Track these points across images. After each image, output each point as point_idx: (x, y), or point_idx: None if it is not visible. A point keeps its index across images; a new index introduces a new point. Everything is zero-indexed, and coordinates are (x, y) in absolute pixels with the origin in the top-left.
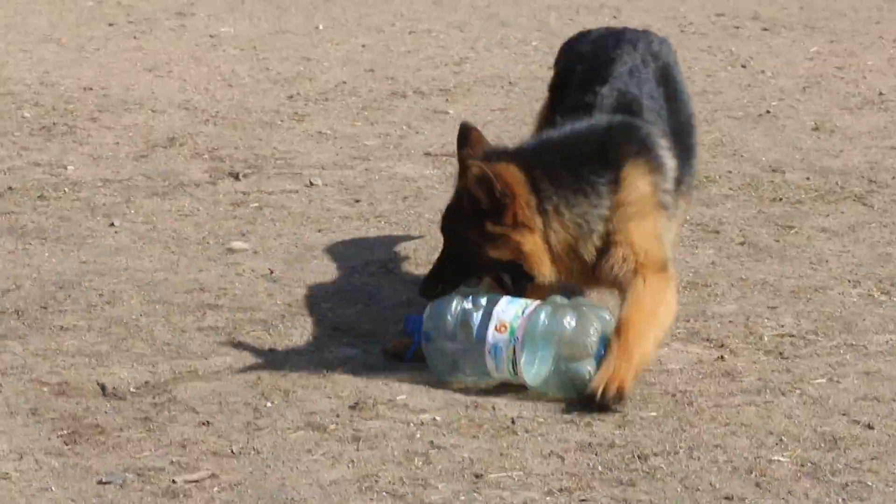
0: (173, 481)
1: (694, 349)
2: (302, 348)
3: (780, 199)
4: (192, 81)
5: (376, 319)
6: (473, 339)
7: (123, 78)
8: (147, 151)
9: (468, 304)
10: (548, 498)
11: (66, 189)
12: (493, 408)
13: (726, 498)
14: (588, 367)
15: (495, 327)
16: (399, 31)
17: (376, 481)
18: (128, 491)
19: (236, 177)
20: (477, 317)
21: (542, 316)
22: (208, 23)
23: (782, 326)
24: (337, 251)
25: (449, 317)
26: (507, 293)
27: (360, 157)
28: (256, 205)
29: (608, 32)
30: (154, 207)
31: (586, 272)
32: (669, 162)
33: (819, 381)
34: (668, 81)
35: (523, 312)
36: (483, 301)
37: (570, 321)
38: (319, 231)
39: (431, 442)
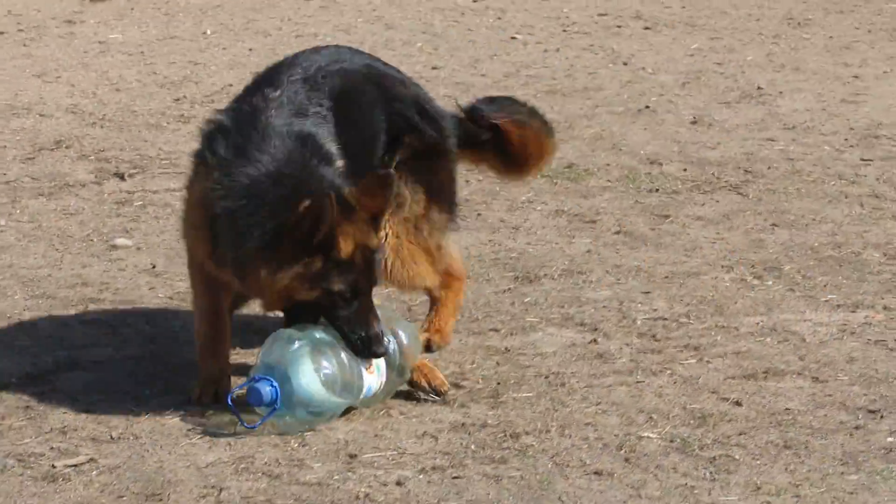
0: (53, 466)
1: (568, 333)
2: (182, 339)
3: (657, 190)
4: (80, 86)
5: (252, 308)
6: (356, 385)
7: (12, 84)
8: (34, 154)
9: (331, 357)
10: (421, 476)
11: None
12: None
13: (596, 473)
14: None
15: (367, 370)
16: (286, 35)
17: (252, 462)
18: (8, 476)
19: (122, 177)
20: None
21: (391, 347)
22: (97, 29)
23: (655, 310)
24: None
25: (325, 382)
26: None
27: None
28: (141, 203)
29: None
30: (40, 207)
31: None
32: None
33: (689, 361)
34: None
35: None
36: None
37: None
38: None
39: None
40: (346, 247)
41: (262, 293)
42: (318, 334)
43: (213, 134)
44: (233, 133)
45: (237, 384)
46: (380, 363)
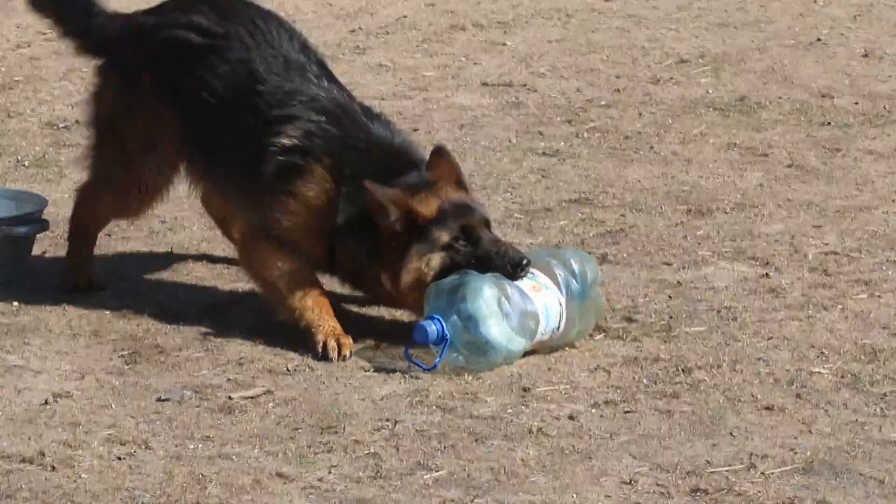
0: (230, 397)
1: (740, 267)
2: None
3: (829, 124)
4: None
5: None
6: (522, 307)
7: None
8: None
9: (488, 286)
10: (593, 410)
11: None
12: None
13: (767, 408)
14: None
15: (532, 289)
16: None
17: (427, 395)
18: (185, 407)
19: None
20: (510, 290)
21: (560, 272)
22: None
23: (826, 245)
24: None
25: (487, 301)
26: None
27: (419, 88)
28: None
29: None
30: None
31: None
32: None
33: (861, 296)
34: None
35: (533, 275)
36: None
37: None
38: None
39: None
40: (426, 208)
41: (404, 298)
42: (472, 272)
43: (320, 134)
44: (334, 134)
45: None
46: (544, 282)
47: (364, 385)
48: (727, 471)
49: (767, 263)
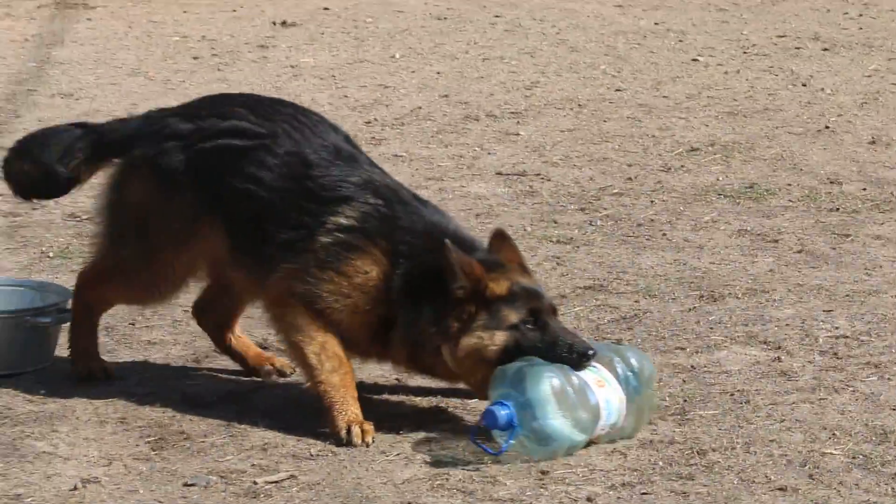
0: (254, 482)
1: (752, 351)
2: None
3: (838, 209)
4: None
5: None
6: (586, 400)
7: None
8: None
9: (555, 375)
10: (610, 492)
11: None
12: None
13: (780, 489)
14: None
15: (596, 383)
16: (472, 59)
17: (447, 479)
18: (211, 492)
19: None
20: (576, 382)
21: (619, 368)
22: (289, 54)
23: (837, 329)
24: None
25: (554, 391)
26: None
27: (435, 178)
28: None
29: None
30: None
31: None
32: None
33: (871, 378)
34: None
35: (596, 369)
36: (553, 369)
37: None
38: None
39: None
40: (498, 286)
41: (460, 367)
42: (541, 362)
43: (377, 217)
44: (391, 216)
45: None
46: (608, 378)
47: (386, 469)
48: None
49: (779, 347)
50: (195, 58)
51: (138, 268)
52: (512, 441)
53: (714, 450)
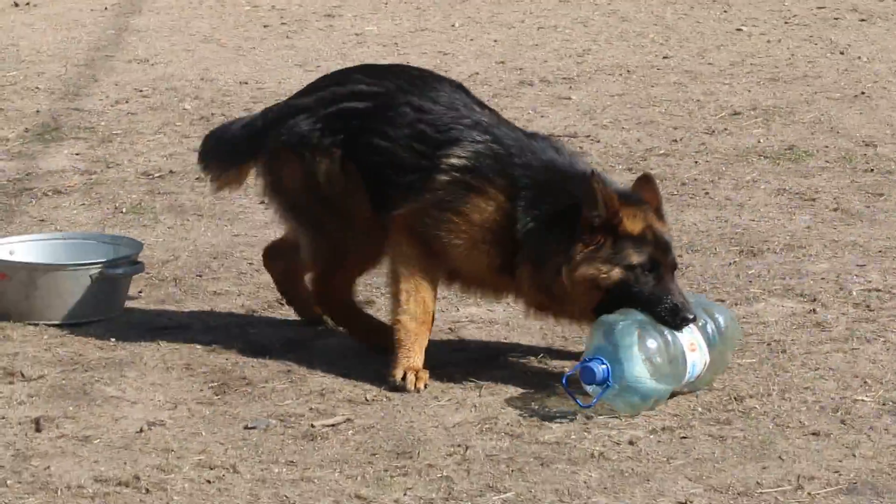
0: (312, 425)
1: (788, 303)
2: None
3: (872, 170)
4: None
5: None
6: (680, 367)
7: (276, 73)
8: None
9: (652, 337)
10: (651, 436)
11: None
12: None
13: (813, 434)
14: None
15: (689, 347)
16: (528, 27)
17: (496, 423)
18: (270, 434)
19: None
20: (671, 343)
21: (709, 329)
22: (354, 22)
23: (870, 282)
24: None
25: (650, 355)
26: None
27: None
28: None
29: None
30: None
31: None
32: None
33: None
34: None
35: (691, 331)
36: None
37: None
38: None
39: (546, 386)
40: (633, 224)
41: (570, 292)
42: (640, 315)
43: (490, 155)
44: (504, 153)
45: (572, 366)
46: (700, 341)
47: (437, 413)
48: (776, 492)
49: (814, 300)
50: (265, 26)
51: (347, 235)
52: (603, 396)
53: (751, 396)
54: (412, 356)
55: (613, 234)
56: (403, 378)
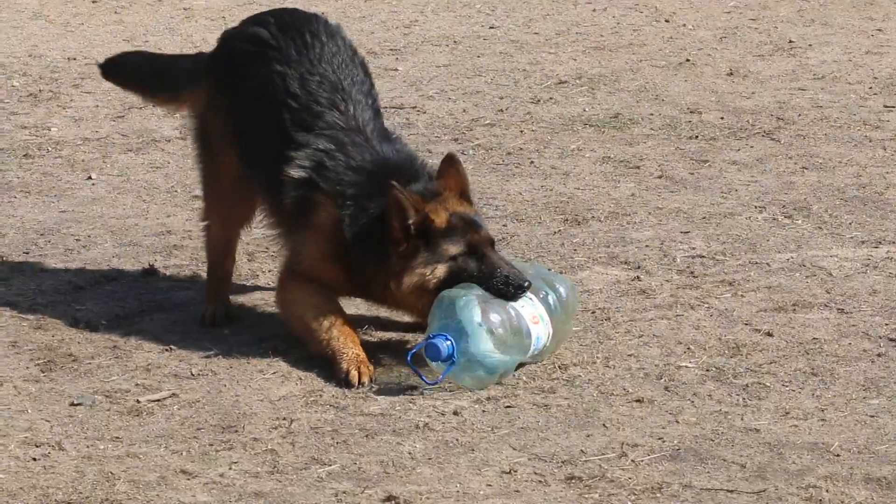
0: (138, 401)
1: (613, 271)
2: (259, 282)
3: (696, 137)
4: (166, 49)
5: None
6: (524, 339)
7: (104, 49)
8: (124, 112)
9: (493, 311)
10: (476, 405)
11: (49, 148)
12: None
13: (637, 401)
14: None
15: (531, 319)
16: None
17: (321, 395)
18: (96, 410)
19: None
20: (514, 316)
21: (550, 300)
22: None
23: (693, 249)
24: None
25: (486, 322)
26: None
27: None
28: None
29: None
30: (129, 162)
31: None
32: None
33: (725, 295)
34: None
35: (532, 303)
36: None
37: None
38: None
39: (371, 357)
40: (438, 217)
41: (405, 300)
42: (480, 290)
43: (320, 164)
44: (342, 160)
45: (416, 343)
46: (542, 313)
47: (263, 387)
48: (600, 459)
49: (639, 267)
50: (93, 1)
51: (212, 180)
52: (449, 372)
53: (575, 364)
54: (349, 350)
55: (424, 235)
56: (347, 373)
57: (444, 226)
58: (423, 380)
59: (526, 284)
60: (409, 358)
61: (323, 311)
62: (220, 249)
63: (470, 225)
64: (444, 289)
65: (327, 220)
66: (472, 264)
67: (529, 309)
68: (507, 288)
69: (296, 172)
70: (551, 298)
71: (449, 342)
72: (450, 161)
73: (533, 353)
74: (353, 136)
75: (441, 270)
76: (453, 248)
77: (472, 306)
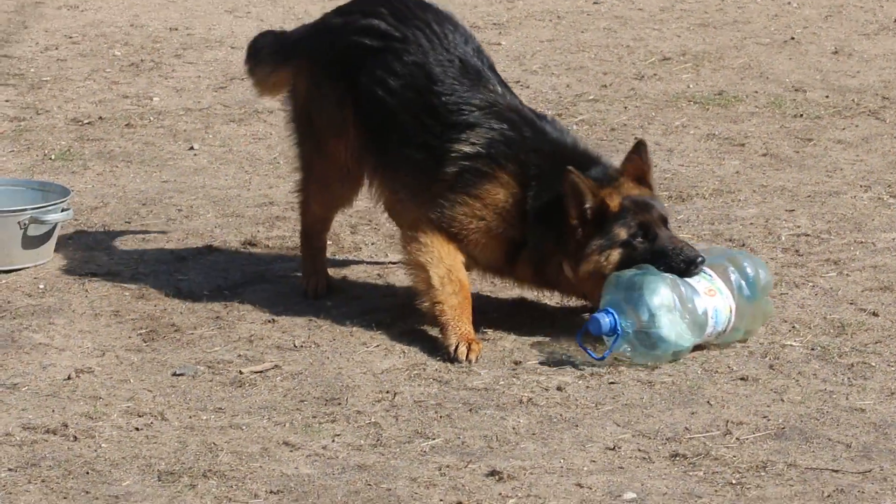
0: (240, 372)
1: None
2: (362, 255)
3: (801, 116)
4: (268, 21)
5: None
6: (694, 308)
7: (206, 19)
8: (225, 83)
9: (664, 284)
10: (580, 381)
11: (151, 118)
12: (538, 302)
13: (742, 379)
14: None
15: (707, 292)
16: None
17: (424, 369)
18: (199, 381)
19: None
20: (685, 291)
21: (733, 276)
22: None
23: (798, 227)
24: None
25: (662, 298)
26: None
27: None
28: None
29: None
30: (231, 133)
31: None
32: None
33: (830, 274)
34: None
35: (710, 278)
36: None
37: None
38: None
39: (476, 331)
40: (612, 201)
41: (581, 285)
42: (649, 267)
43: (502, 141)
44: (517, 140)
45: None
46: (721, 287)
47: (366, 360)
48: (704, 437)
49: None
50: None
51: (316, 163)
52: (616, 345)
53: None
54: (461, 326)
55: (597, 220)
56: (456, 348)
57: (617, 208)
58: (590, 355)
59: (699, 260)
60: (578, 337)
61: (452, 274)
62: (319, 224)
63: (641, 206)
64: (620, 269)
65: (499, 194)
66: (644, 245)
67: (705, 283)
68: (680, 263)
69: (469, 148)
70: (734, 275)
71: (609, 318)
72: (637, 148)
73: (717, 332)
74: (516, 115)
75: (615, 255)
76: (625, 231)
77: (649, 283)
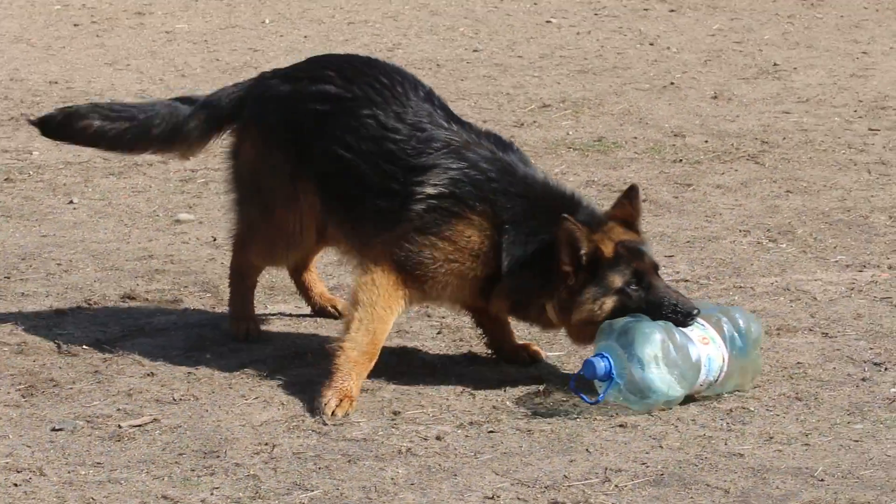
0: (119, 426)
1: None
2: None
3: (681, 161)
4: (148, 73)
5: None
6: (687, 357)
7: (86, 72)
8: None
9: (659, 332)
10: (458, 431)
11: (31, 172)
12: (418, 350)
13: (620, 426)
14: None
15: (701, 340)
16: (338, 23)
17: (303, 420)
18: (78, 436)
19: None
20: (679, 338)
21: (725, 326)
22: (164, 20)
23: (678, 272)
24: None
25: (655, 347)
26: None
27: None
28: (203, 181)
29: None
30: (110, 186)
31: None
32: None
33: None
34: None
35: (703, 327)
36: (657, 325)
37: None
38: None
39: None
40: (606, 247)
41: (570, 332)
42: (645, 319)
43: (467, 182)
44: (488, 180)
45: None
46: (713, 336)
47: (245, 412)
48: (583, 484)
49: None
50: (75, 25)
51: (261, 226)
52: (609, 391)
53: (558, 389)
54: (346, 382)
55: (593, 266)
56: (327, 403)
57: (611, 255)
58: (584, 399)
59: (695, 312)
60: (572, 383)
61: (372, 324)
62: (254, 272)
63: (634, 253)
64: (611, 319)
65: (471, 236)
66: (639, 294)
67: (698, 332)
68: (676, 315)
69: (432, 189)
70: (727, 327)
71: (605, 362)
72: (629, 193)
73: (709, 381)
74: (479, 151)
75: (609, 304)
76: (620, 279)
77: (643, 330)
